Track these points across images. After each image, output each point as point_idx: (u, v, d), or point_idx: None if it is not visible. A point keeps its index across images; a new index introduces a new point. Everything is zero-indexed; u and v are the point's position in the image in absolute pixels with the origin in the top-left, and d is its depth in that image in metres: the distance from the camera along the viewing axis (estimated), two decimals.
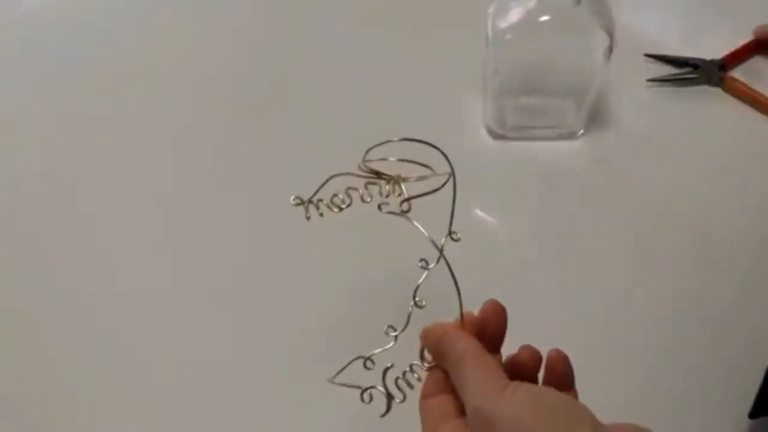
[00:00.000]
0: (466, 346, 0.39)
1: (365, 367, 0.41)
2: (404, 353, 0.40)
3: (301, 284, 0.58)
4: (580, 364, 0.54)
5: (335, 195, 0.41)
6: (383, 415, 0.40)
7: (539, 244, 0.59)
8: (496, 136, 0.64)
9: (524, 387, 0.37)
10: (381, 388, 0.40)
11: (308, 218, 0.41)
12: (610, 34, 0.57)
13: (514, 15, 0.57)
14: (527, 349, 0.41)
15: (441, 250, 0.41)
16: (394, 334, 0.41)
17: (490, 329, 0.41)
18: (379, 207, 0.41)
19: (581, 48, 0.58)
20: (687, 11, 0.73)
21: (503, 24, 0.58)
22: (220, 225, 0.62)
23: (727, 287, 0.57)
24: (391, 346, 0.41)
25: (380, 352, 0.41)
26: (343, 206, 0.41)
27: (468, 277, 0.58)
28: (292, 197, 0.41)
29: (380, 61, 0.69)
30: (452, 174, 0.41)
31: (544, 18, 0.56)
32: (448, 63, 0.68)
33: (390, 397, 0.40)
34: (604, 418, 0.35)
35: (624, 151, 0.64)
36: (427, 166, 0.42)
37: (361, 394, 0.40)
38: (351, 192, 0.41)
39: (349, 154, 0.47)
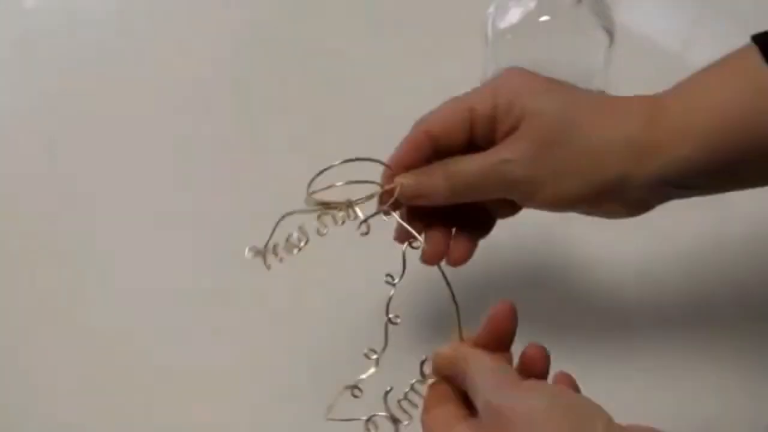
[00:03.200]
0: (476, 353, 0.39)
1: (353, 396, 0.40)
2: (390, 371, 0.40)
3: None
4: (582, 364, 0.55)
5: (290, 235, 0.41)
6: None
7: (539, 244, 0.59)
8: None
9: (539, 385, 0.37)
10: (384, 414, 0.40)
11: (268, 267, 0.40)
12: (610, 34, 0.57)
13: (514, 15, 0.58)
14: (533, 347, 0.40)
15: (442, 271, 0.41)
16: (375, 356, 0.40)
17: (501, 330, 0.40)
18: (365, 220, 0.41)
19: (581, 48, 0.58)
20: (688, 11, 0.73)
21: (503, 24, 0.58)
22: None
23: (731, 286, 0.57)
24: (374, 371, 0.40)
25: (366, 377, 0.40)
26: (301, 245, 0.41)
27: (468, 278, 0.58)
28: (247, 249, 0.40)
29: (378, 62, 0.69)
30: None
31: (544, 18, 0.57)
32: (448, 63, 0.68)
33: (396, 422, 0.40)
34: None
35: None
36: (375, 182, 0.43)
37: (366, 425, 0.39)
38: (304, 229, 0.41)
39: (348, 153, 0.48)
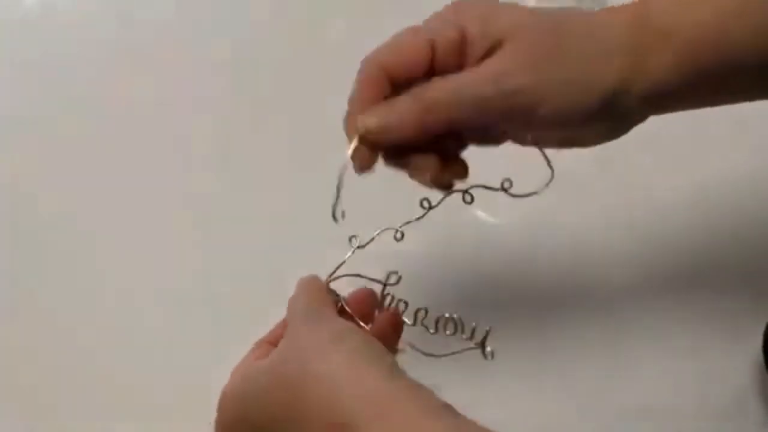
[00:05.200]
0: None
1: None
2: None
3: None
4: (583, 364, 0.55)
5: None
6: None
7: (539, 244, 0.59)
8: None
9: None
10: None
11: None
12: None
13: None
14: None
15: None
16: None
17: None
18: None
19: None
20: None
21: None
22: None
23: (729, 286, 0.57)
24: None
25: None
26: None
27: (467, 278, 0.59)
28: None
29: None
30: None
31: None
32: None
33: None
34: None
35: (624, 151, 0.63)
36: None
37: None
38: None
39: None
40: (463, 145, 0.44)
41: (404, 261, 0.43)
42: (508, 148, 0.45)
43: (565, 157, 0.64)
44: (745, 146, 0.62)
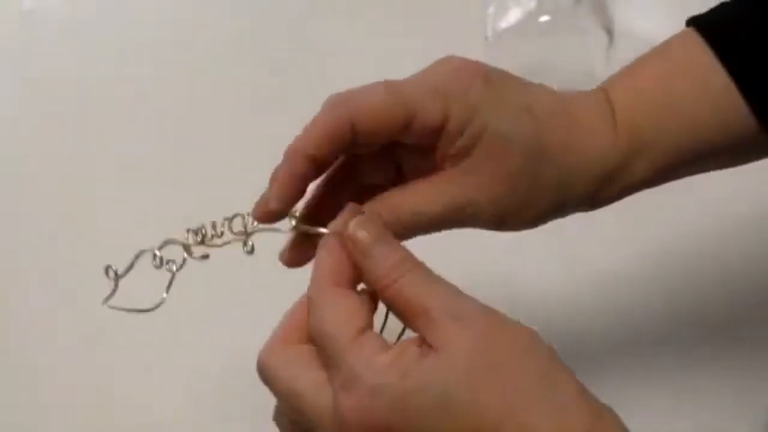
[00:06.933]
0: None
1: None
2: None
3: None
4: (587, 363, 0.55)
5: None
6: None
7: (539, 244, 0.59)
8: None
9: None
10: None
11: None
12: (610, 34, 0.57)
13: (514, 15, 0.58)
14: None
15: None
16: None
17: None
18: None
19: (581, 48, 0.58)
20: (688, 10, 0.73)
21: (503, 24, 0.58)
22: None
23: (733, 284, 0.57)
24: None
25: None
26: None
27: (469, 278, 0.58)
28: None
29: (377, 63, 0.69)
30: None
31: (544, 18, 0.57)
32: None
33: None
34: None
35: None
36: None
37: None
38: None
39: None
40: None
41: None
42: None
43: None
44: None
